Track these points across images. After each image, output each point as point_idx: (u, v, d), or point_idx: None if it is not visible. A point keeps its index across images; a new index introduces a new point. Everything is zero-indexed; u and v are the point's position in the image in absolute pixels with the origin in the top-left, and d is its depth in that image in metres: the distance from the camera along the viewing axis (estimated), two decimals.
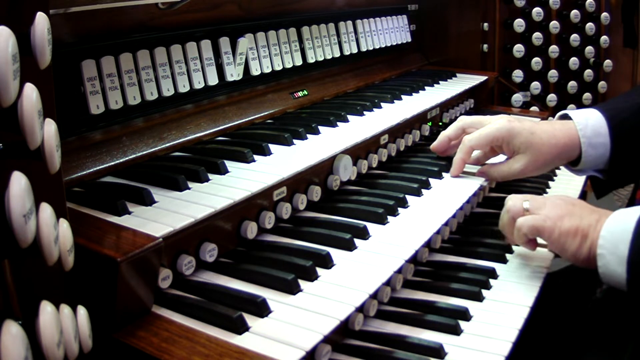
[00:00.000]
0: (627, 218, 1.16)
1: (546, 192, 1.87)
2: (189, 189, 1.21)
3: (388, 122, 1.72)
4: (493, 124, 1.54)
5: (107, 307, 0.94)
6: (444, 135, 1.66)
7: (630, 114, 1.49)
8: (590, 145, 1.48)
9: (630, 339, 1.23)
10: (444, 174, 1.63)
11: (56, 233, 0.66)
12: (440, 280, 1.33)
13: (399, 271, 1.25)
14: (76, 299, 0.78)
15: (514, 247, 1.46)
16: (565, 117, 1.57)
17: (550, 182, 1.92)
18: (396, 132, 1.79)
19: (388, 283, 1.20)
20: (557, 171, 2.00)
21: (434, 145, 1.68)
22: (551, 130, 1.51)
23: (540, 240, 1.37)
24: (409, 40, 2.56)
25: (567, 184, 1.92)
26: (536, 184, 1.88)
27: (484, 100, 2.47)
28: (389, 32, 2.39)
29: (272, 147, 1.45)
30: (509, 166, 1.54)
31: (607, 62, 2.72)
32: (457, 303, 1.24)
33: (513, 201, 1.35)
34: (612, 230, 1.17)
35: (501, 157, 1.62)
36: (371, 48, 2.26)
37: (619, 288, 1.16)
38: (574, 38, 2.62)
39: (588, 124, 1.49)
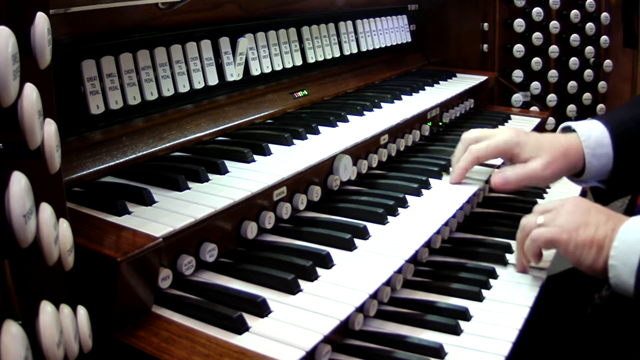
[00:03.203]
0: (639, 227, 1.15)
1: (546, 193, 1.87)
2: (189, 189, 1.21)
3: (388, 122, 1.72)
4: (501, 136, 1.51)
5: (107, 307, 0.94)
6: (458, 165, 1.59)
7: (633, 125, 1.49)
8: (593, 156, 1.48)
9: (632, 351, 1.23)
10: (444, 174, 1.63)
11: (56, 233, 0.66)
12: (440, 280, 1.33)
13: (399, 271, 1.24)
14: (76, 299, 0.78)
15: (515, 247, 1.44)
16: (568, 129, 1.56)
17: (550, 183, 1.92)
18: (396, 132, 1.79)
19: (388, 283, 1.20)
20: None
21: (452, 179, 1.59)
22: (557, 143, 1.49)
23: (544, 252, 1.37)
24: (409, 40, 2.56)
25: (567, 185, 1.91)
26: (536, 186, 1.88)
27: (484, 100, 2.47)
28: (389, 32, 2.39)
29: (272, 147, 1.45)
30: (527, 165, 1.46)
31: (607, 62, 2.72)
32: (457, 303, 1.24)
33: (527, 218, 1.32)
34: (625, 240, 1.15)
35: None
36: (371, 48, 2.26)
37: (631, 298, 1.13)
38: (574, 38, 2.62)
39: (591, 135, 1.48)
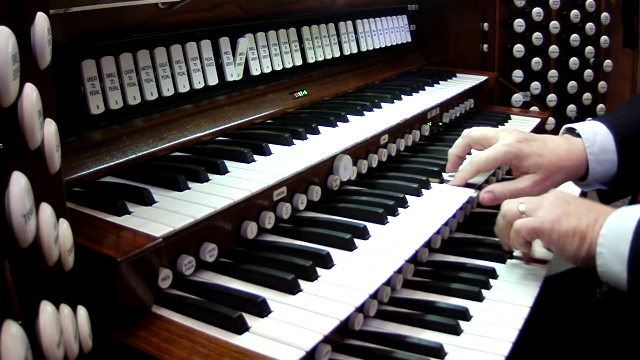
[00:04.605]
0: (628, 217, 1.16)
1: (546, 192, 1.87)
2: (189, 189, 1.21)
3: (388, 122, 1.72)
4: (501, 145, 1.50)
5: (107, 307, 0.94)
6: (452, 154, 1.61)
7: (636, 127, 1.49)
8: (597, 162, 1.48)
9: (630, 347, 1.23)
10: (444, 174, 1.63)
11: (56, 233, 0.66)
12: (440, 280, 1.33)
13: (399, 271, 1.24)
14: (76, 299, 0.78)
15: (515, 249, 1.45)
16: (571, 130, 1.56)
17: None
18: (396, 132, 1.79)
19: (388, 283, 1.20)
20: None
21: (447, 167, 1.62)
22: (558, 151, 1.49)
23: (544, 252, 1.37)
24: (409, 40, 2.56)
25: (567, 184, 1.91)
26: None
27: (484, 100, 2.47)
28: (389, 32, 2.39)
29: (272, 147, 1.45)
30: (517, 183, 1.49)
31: (607, 62, 2.72)
32: (457, 303, 1.24)
33: (508, 205, 1.33)
34: (612, 229, 1.16)
35: None
36: (371, 48, 2.26)
37: (618, 288, 1.15)
38: (574, 38, 2.62)
39: (596, 140, 1.48)
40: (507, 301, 1.26)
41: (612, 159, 1.48)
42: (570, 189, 1.87)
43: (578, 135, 1.52)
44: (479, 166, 1.53)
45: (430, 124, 2.01)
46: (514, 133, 1.54)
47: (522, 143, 1.49)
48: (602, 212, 1.22)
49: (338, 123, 1.69)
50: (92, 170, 1.24)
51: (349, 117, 1.75)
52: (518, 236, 1.30)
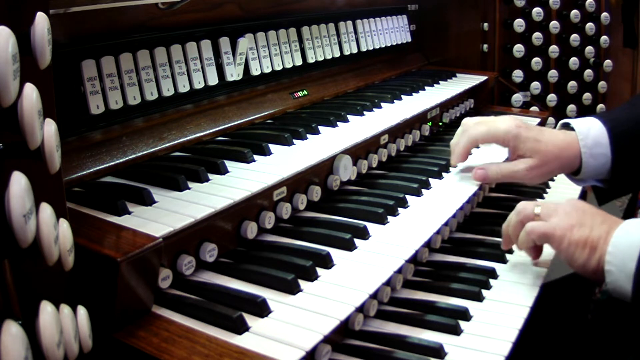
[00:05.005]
0: (634, 232, 1.15)
1: (546, 192, 1.87)
2: (189, 189, 1.21)
3: (388, 122, 1.72)
4: (501, 124, 1.53)
5: (107, 307, 0.94)
6: (458, 146, 1.62)
7: (632, 125, 1.50)
8: (591, 156, 1.49)
9: (630, 348, 1.23)
10: (444, 174, 1.63)
11: (56, 233, 0.66)
12: (440, 280, 1.33)
13: (399, 271, 1.24)
14: (76, 299, 0.78)
15: (514, 247, 1.45)
16: (567, 125, 1.57)
17: (550, 182, 1.92)
18: (396, 132, 1.80)
19: (388, 283, 1.20)
20: None
21: (452, 160, 1.64)
22: (554, 140, 1.51)
23: (544, 252, 1.37)
24: (409, 40, 2.56)
25: (567, 184, 1.91)
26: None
27: (484, 100, 2.47)
28: (389, 32, 2.39)
29: (272, 147, 1.45)
30: (513, 165, 1.52)
31: (607, 62, 2.72)
32: (457, 303, 1.24)
33: (524, 205, 1.34)
34: (619, 245, 1.15)
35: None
36: (371, 48, 2.26)
37: (627, 301, 1.14)
38: (574, 38, 2.62)
39: (589, 134, 1.50)
40: (507, 301, 1.26)
41: (605, 154, 1.49)
42: (570, 189, 1.88)
43: (573, 130, 1.53)
44: (478, 137, 1.56)
45: (430, 124, 2.01)
46: (514, 118, 1.57)
47: (521, 127, 1.52)
48: (616, 224, 1.20)
49: (338, 123, 1.69)
50: (92, 170, 1.24)
51: (349, 117, 1.75)
52: (528, 238, 1.30)
